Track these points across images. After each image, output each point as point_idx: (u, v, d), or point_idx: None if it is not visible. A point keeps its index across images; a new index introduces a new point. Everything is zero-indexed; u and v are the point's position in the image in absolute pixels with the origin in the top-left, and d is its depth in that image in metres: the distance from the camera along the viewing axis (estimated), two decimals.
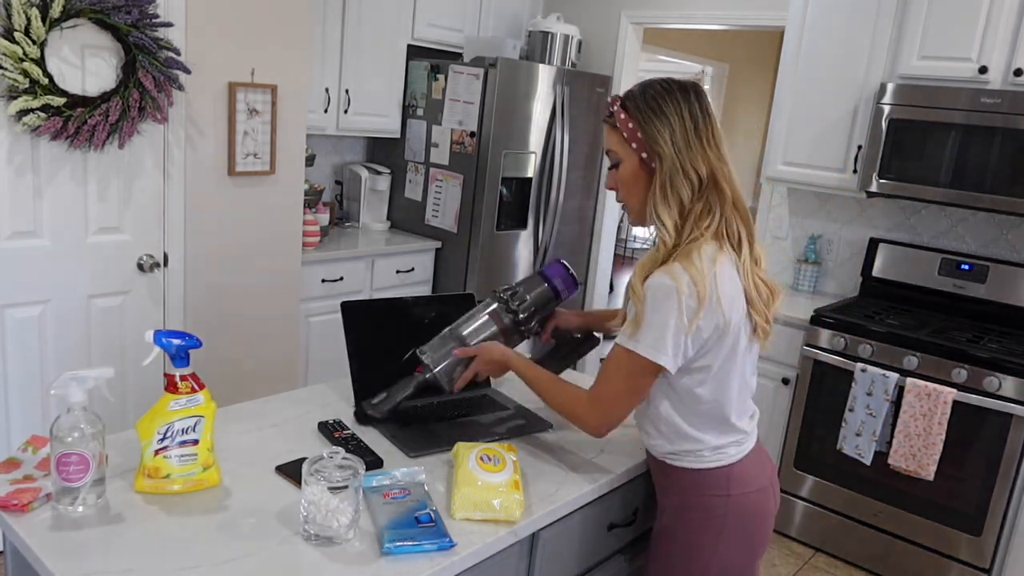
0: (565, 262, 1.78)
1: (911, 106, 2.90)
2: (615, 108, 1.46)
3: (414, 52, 3.85)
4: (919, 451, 2.69)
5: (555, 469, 1.55)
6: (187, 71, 2.51)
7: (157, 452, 1.30)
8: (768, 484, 1.55)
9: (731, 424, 1.48)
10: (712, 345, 1.39)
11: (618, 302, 6.80)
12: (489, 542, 1.29)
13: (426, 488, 1.38)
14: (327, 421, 1.63)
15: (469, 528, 1.31)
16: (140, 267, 2.63)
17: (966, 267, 3.09)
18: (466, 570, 1.27)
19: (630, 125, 1.42)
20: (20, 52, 2.16)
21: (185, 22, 2.53)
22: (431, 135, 3.84)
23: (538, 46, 4.01)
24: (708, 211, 1.40)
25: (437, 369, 1.63)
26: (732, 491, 1.48)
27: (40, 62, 2.22)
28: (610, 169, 1.50)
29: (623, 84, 4.25)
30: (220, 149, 2.74)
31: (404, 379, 1.66)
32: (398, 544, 1.21)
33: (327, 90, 3.49)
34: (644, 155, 1.42)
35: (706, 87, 6.99)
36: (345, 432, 1.59)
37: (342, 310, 1.77)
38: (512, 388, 1.96)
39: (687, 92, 1.43)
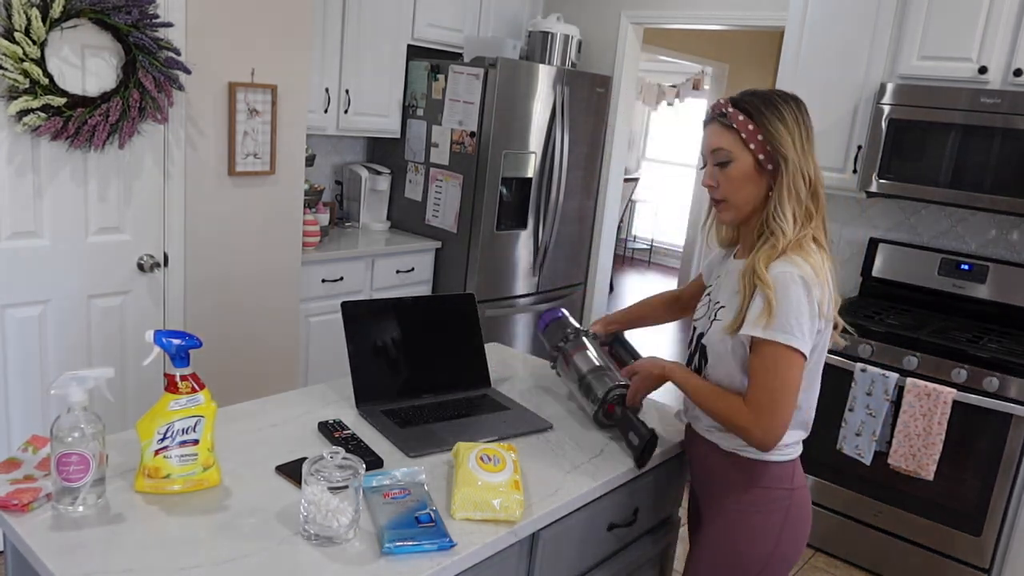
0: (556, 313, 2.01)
1: (911, 106, 2.90)
2: (729, 110, 1.50)
3: (414, 52, 3.85)
4: (919, 451, 2.69)
5: (555, 469, 1.55)
6: (187, 71, 2.51)
7: (157, 452, 1.30)
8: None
9: (807, 420, 1.55)
10: (818, 337, 1.46)
11: (618, 303, 6.79)
12: (489, 542, 1.29)
13: (426, 488, 1.38)
14: (327, 421, 1.63)
15: (469, 528, 1.31)
16: (140, 267, 2.63)
17: (966, 267, 3.09)
18: (466, 570, 1.27)
19: (750, 127, 1.47)
20: (20, 52, 2.16)
21: (185, 22, 2.53)
22: (431, 135, 3.84)
23: (538, 46, 4.01)
24: (810, 215, 1.48)
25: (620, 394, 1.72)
26: (796, 484, 1.54)
27: (40, 62, 2.22)
28: (716, 166, 1.53)
29: (623, 84, 4.25)
30: (220, 149, 2.74)
31: (625, 420, 1.67)
32: (398, 544, 1.21)
33: (327, 90, 3.49)
34: (762, 156, 1.47)
35: (706, 87, 6.99)
36: (345, 432, 1.59)
37: (342, 310, 1.77)
38: (512, 388, 1.96)
39: (798, 102, 1.51)
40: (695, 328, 1.65)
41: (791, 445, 1.53)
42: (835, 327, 1.51)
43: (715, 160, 1.52)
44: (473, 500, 1.33)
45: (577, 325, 1.93)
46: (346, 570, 1.17)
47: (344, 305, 1.77)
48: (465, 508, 1.33)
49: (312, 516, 1.21)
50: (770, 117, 1.47)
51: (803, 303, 1.40)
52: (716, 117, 1.52)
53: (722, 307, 1.54)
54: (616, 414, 1.69)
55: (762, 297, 1.42)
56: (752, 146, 1.47)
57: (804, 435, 1.56)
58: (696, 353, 1.61)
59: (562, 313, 1.99)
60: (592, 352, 1.83)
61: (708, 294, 1.66)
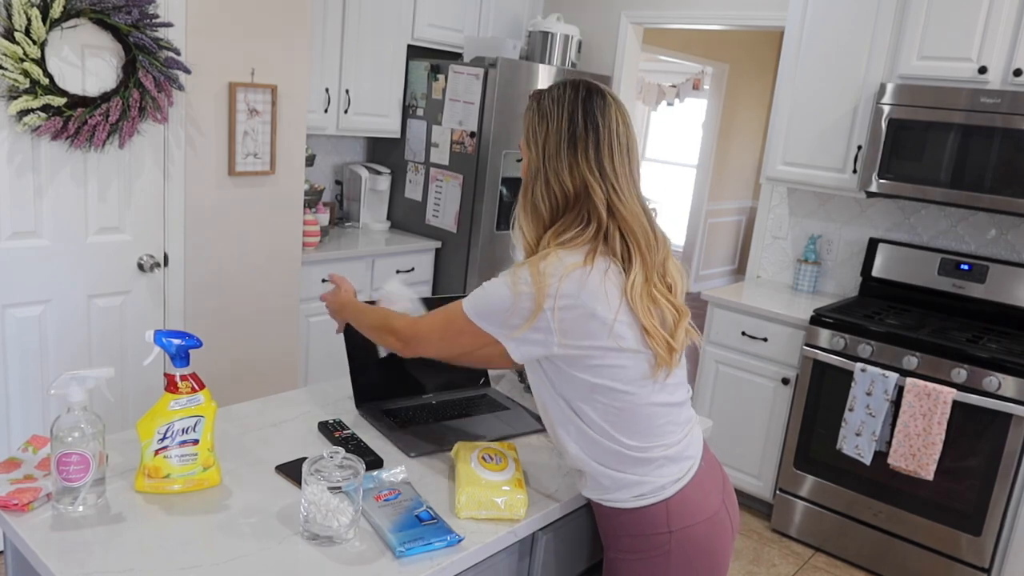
0: None
1: (911, 106, 2.91)
2: (530, 101, 1.42)
3: (414, 52, 3.86)
4: (919, 451, 2.69)
5: (555, 469, 1.56)
6: (187, 71, 2.51)
7: (157, 452, 1.30)
8: (720, 508, 1.42)
9: (654, 434, 1.35)
10: (593, 351, 1.28)
11: None
12: (489, 541, 1.29)
13: (412, 485, 1.38)
14: (327, 421, 1.63)
15: (471, 527, 1.31)
16: (140, 267, 2.63)
17: (965, 267, 3.10)
18: (469, 568, 1.27)
19: (526, 122, 1.40)
20: (21, 52, 2.17)
21: (185, 22, 2.53)
22: (431, 135, 3.84)
23: (538, 46, 4.01)
24: (578, 223, 1.31)
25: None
26: (673, 527, 1.36)
27: (41, 62, 2.22)
28: (517, 161, 1.48)
29: (623, 84, 4.25)
30: (220, 149, 2.74)
31: None
32: (409, 546, 1.21)
33: (327, 90, 3.49)
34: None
35: (706, 87, 6.97)
36: (345, 432, 1.59)
37: None
38: (511, 388, 1.96)
39: (578, 96, 1.36)
40: None
41: (641, 484, 1.34)
42: (657, 358, 1.30)
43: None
44: (478, 499, 1.33)
45: None
46: (346, 570, 1.17)
47: None
48: (470, 507, 1.33)
49: (312, 516, 1.21)
50: (537, 112, 1.37)
51: (502, 295, 1.29)
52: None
53: None
54: None
55: None
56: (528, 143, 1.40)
57: (662, 458, 1.35)
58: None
59: None
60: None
61: None
